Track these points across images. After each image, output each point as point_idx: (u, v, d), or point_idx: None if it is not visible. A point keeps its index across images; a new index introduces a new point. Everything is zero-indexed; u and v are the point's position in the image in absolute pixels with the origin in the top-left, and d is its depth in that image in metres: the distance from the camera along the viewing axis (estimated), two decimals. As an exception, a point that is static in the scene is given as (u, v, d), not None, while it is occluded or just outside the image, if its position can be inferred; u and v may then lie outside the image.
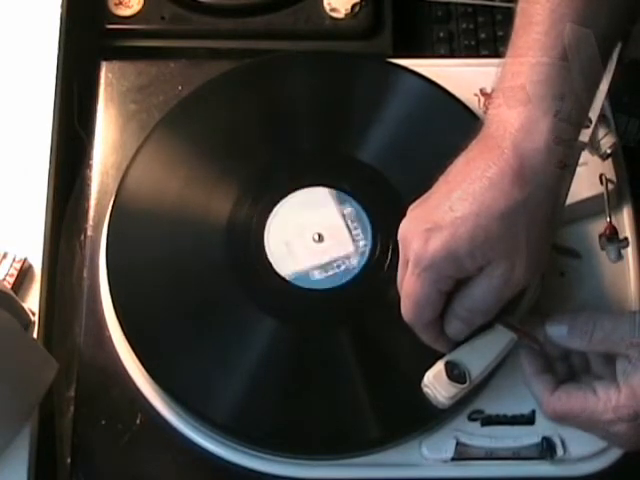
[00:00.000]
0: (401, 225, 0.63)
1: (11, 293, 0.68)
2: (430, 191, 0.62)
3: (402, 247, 0.63)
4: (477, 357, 0.65)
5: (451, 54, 0.88)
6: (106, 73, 0.82)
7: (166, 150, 0.76)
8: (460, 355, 0.65)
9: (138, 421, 0.70)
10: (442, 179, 0.62)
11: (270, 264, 0.72)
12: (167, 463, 0.70)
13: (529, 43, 0.60)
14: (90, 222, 0.77)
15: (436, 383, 0.64)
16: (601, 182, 0.74)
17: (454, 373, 0.64)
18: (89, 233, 0.76)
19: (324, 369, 0.70)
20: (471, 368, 0.64)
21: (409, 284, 0.62)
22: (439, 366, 0.64)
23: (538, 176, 0.58)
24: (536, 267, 0.61)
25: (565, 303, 0.72)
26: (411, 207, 0.63)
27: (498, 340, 0.65)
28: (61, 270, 0.77)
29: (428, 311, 0.62)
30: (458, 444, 0.68)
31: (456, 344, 0.65)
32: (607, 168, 0.75)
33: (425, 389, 0.65)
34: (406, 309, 0.63)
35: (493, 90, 0.62)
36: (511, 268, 0.59)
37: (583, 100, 0.60)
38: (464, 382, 0.64)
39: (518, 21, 0.61)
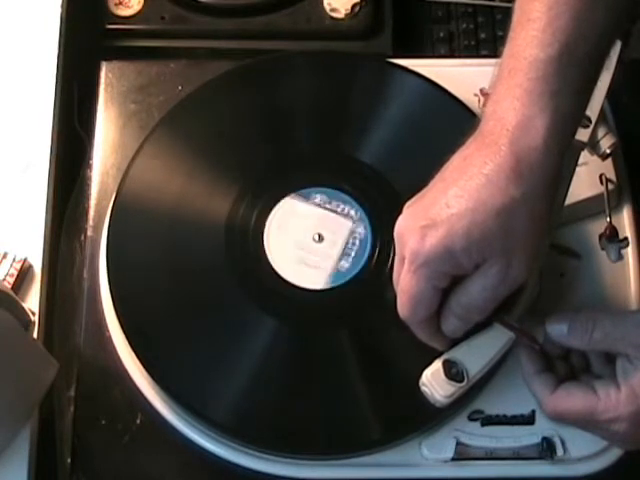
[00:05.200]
0: (397, 222, 0.63)
1: (11, 293, 0.68)
2: (426, 188, 0.62)
3: (398, 244, 0.63)
4: (475, 356, 0.65)
5: (451, 54, 0.88)
6: (106, 73, 0.82)
7: (166, 150, 0.76)
8: (458, 354, 0.65)
9: (138, 421, 0.70)
10: (438, 176, 0.62)
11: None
12: (167, 463, 0.70)
13: (527, 40, 0.60)
14: (90, 222, 0.77)
15: (434, 382, 0.64)
16: (601, 182, 0.74)
17: (452, 372, 0.64)
18: (89, 233, 0.76)
19: (324, 369, 0.70)
20: (469, 367, 0.64)
21: (405, 281, 0.62)
22: (437, 365, 0.64)
23: (535, 173, 0.58)
24: (532, 264, 0.61)
25: (565, 303, 0.72)
26: (407, 204, 0.63)
27: (496, 339, 0.65)
28: (61, 270, 0.77)
29: (424, 308, 0.62)
30: (458, 444, 0.68)
31: (453, 342, 0.65)
32: (607, 168, 0.75)
33: (423, 388, 0.65)
34: (402, 305, 0.63)
35: (490, 87, 0.62)
36: (507, 265, 0.59)
37: (580, 97, 0.60)
38: (462, 381, 0.64)
39: (516, 18, 0.61)
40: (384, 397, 0.69)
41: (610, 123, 0.75)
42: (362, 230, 0.73)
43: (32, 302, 0.73)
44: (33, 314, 0.72)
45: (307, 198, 0.74)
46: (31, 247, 0.74)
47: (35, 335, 0.71)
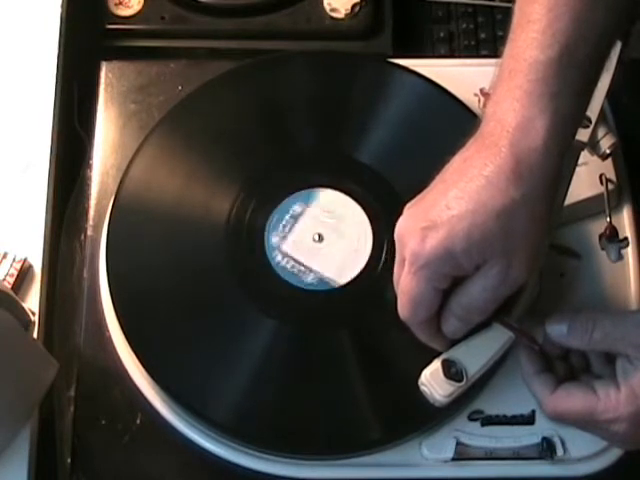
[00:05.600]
0: (397, 223, 0.63)
1: (11, 293, 0.68)
2: (427, 189, 0.62)
3: (398, 245, 0.63)
4: (474, 356, 0.65)
5: (451, 54, 0.88)
6: (106, 73, 0.82)
7: (166, 150, 0.76)
8: (457, 353, 0.65)
9: (138, 421, 0.70)
10: (439, 177, 0.62)
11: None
12: (167, 463, 0.70)
13: (527, 41, 0.60)
14: (90, 222, 0.77)
15: (433, 381, 0.64)
16: (601, 182, 0.74)
17: (451, 371, 0.64)
18: (89, 233, 0.76)
19: (324, 369, 0.70)
20: (468, 366, 0.64)
21: (405, 282, 0.62)
22: (436, 364, 0.64)
23: (535, 175, 0.58)
24: (533, 265, 0.61)
25: (565, 303, 0.72)
26: (408, 205, 0.63)
27: (495, 339, 0.65)
28: (61, 270, 0.77)
29: (424, 309, 0.62)
30: (458, 444, 0.68)
31: (453, 343, 0.65)
32: (607, 168, 0.75)
33: (422, 387, 0.65)
34: (402, 307, 0.63)
35: (491, 88, 0.62)
36: (507, 266, 0.59)
37: (581, 99, 0.60)
38: (461, 380, 0.64)
39: (516, 20, 0.61)
40: (384, 397, 0.69)
41: (610, 123, 0.75)
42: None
43: (32, 302, 0.73)
44: (33, 314, 0.72)
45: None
46: (31, 247, 0.74)
47: (35, 335, 0.71)
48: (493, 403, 0.69)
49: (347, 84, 0.80)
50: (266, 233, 0.73)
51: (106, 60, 0.83)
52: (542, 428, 0.68)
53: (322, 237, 0.73)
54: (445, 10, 0.89)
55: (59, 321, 0.75)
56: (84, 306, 0.74)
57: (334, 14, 0.86)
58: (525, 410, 0.69)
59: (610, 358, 0.64)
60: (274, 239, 0.72)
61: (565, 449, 0.68)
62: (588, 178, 0.74)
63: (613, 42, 0.62)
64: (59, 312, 0.75)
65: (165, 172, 0.75)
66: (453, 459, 0.68)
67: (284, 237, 0.72)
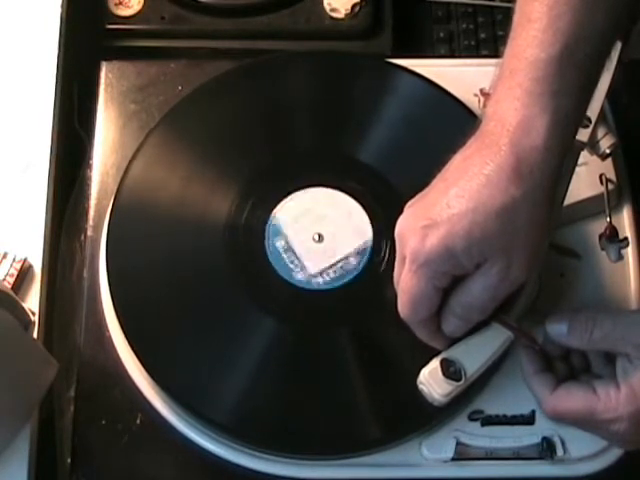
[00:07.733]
0: (398, 222, 0.63)
1: (11, 293, 0.68)
2: (427, 188, 0.62)
3: (399, 244, 0.63)
4: (473, 355, 0.65)
5: (451, 54, 0.88)
6: (106, 73, 0.83)
7: (166, 150, 0.76)
8: (456, 353, 0.65)
9: (138, 421, 0.70)
10: (439, 176, 0.62)
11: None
12: (167, 463, 0.70)
13: (527, 40, 0.60)
14: (90, 222, 0.77)
15: (431, 380, 0.64)
16: (601, 182, 0.74)
17: (450, 370, 0.64)
18: (89, 233, 0.76)
19: (324, 369, 0.70)
20: (467, 366, 0.64)
21: (405, 281, 0.62)
22: (435, 363, 0.64)
23: (535, 174, 0.58)
24: (533, 265, 0.61)
25: (565, 303, 0.72)
26: (408, 204, 0.63)
27: (494, 338, 0.65)
28: (61, 270, 0.77)
29: (424, 307, 0.62)
30: (458, 444, 0.68)
31: (452, 342, 0.65)
32: (607, 168, 0.75)
33: (420, 386, 0.65)
34: (402, 305, 0.63)
35: (491, 87, 0.62)
36: (508, 265, 0.59)
37: (581, 98, 0.60)
38: (459, 380, 0.64)
39: (516, 19, 0.62)
40: (384, 397, 0.69)
41: (610, 123, 0.75)
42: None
43: (32, 302, 0.73)
44: (33, 314, 0.72)
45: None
46: (31, 247, 0.74)
47: (35, 335, 0.71)
48: (493, 403, 0.69)
49: (347, 84, 0.80)
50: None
51: (106, 60, 0.83)
52: (542, 428, 0.68)
53: (321, 236, 0.73)
54: (445, 10, 0.89)
55: (59, 321, 0.75)
56: (84, 306, 0.74)
57: (334, 14, 0.86)
58: (525, 410, 0.69)
59: (610, 358, 0.64)
60: (300, 277, 0.72)
61: (565, 449, 0.67)
62: (588, 178, 0.74)
63: (614, 41, 0.62)
64: (59, 312, 0.75)
65: (165, 172, 0.75)
66: (453, 459, 0.67)
67: (303, 267, 0.72)
